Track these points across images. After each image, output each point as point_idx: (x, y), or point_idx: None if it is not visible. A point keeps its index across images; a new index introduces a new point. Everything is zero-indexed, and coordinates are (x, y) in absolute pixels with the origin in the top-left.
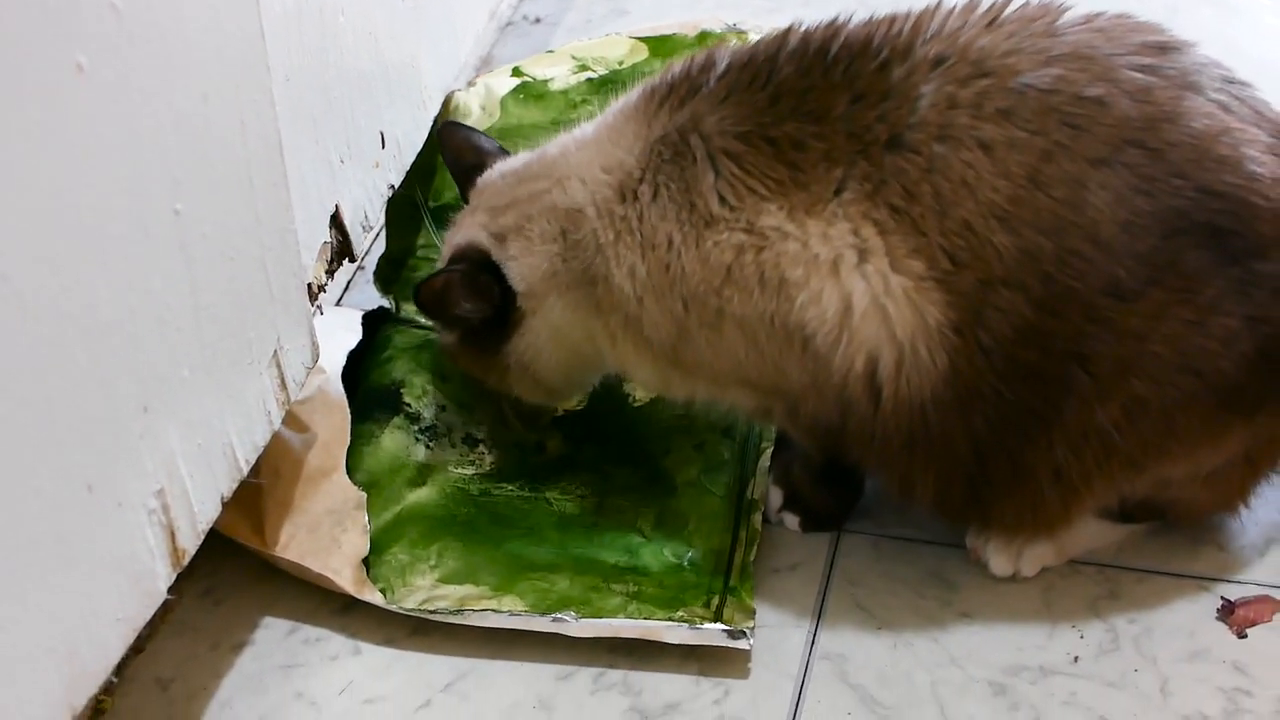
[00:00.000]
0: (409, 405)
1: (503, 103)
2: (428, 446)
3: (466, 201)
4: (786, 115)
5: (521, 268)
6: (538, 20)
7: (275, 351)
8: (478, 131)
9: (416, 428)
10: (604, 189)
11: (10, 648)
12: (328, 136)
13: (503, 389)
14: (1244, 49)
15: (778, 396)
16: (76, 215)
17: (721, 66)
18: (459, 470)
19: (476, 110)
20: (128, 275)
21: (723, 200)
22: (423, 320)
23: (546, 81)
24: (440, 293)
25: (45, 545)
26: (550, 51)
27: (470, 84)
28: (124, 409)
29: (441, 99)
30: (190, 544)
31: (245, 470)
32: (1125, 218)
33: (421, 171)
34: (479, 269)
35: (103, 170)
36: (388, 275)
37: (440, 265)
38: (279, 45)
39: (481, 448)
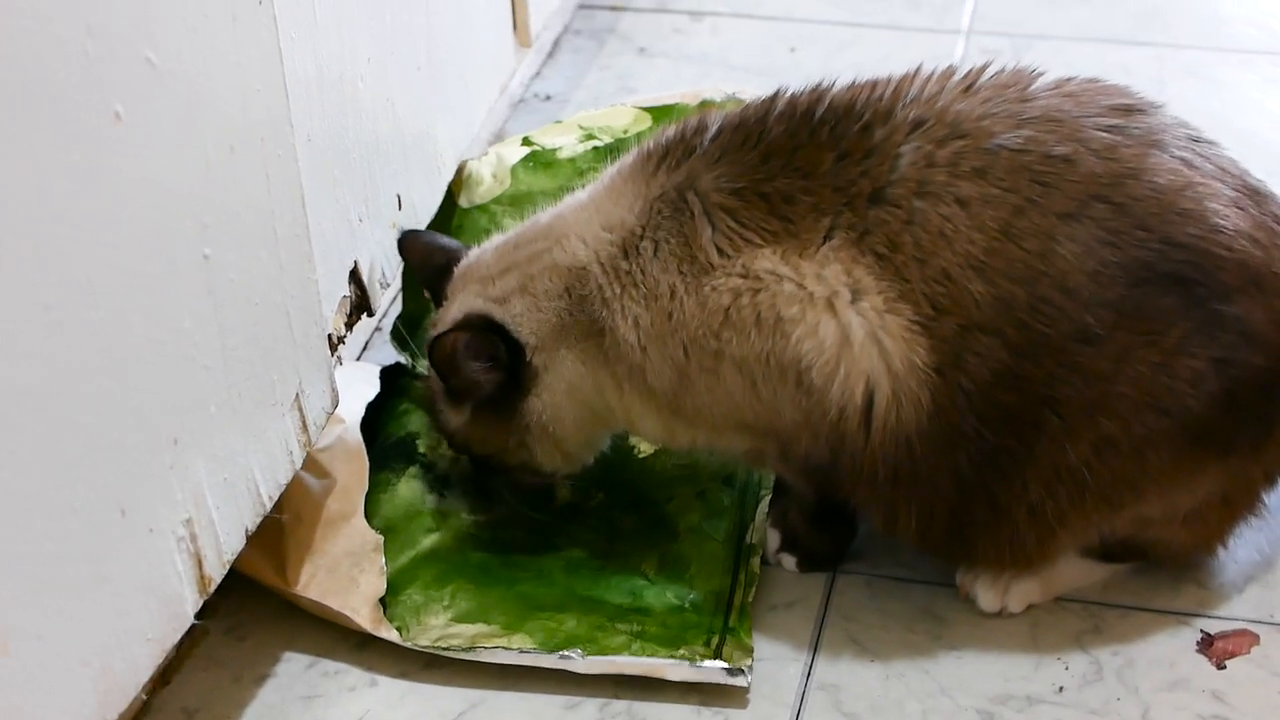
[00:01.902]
0: (424, 455)
1: (513, 171)
2: (441, 495)
3: (437, 301)
4: (777, 172)
5: (530, 322)
6: (548, 98)
7: (297, 394)
8: (438, 234)
9: (431, 476)
10: (607, 246)
11: (49, 657)
12: (347, 195)
13: (522, 457)
14: (1228, 120)
15: (771, 438)
16: (113, 254)
17: (714, 129)
18: (471, 517)
19: (488, 178)
20: (160, 313)
21: (720, 251)
22: None
23: (555, 150)
24: (451, 352)
25: (81, 563)
26: (559, 122)
27: (483, 154)
28: (155, 439)
29: (455, 166)
30: (216, 573)
31: (269, 506)
32: (1093, 268)
33: (442, 226)
34: (483, 329)
35: (138, 212)
36: (404, 334)
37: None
38: (301, 107)
39: (493, 498)
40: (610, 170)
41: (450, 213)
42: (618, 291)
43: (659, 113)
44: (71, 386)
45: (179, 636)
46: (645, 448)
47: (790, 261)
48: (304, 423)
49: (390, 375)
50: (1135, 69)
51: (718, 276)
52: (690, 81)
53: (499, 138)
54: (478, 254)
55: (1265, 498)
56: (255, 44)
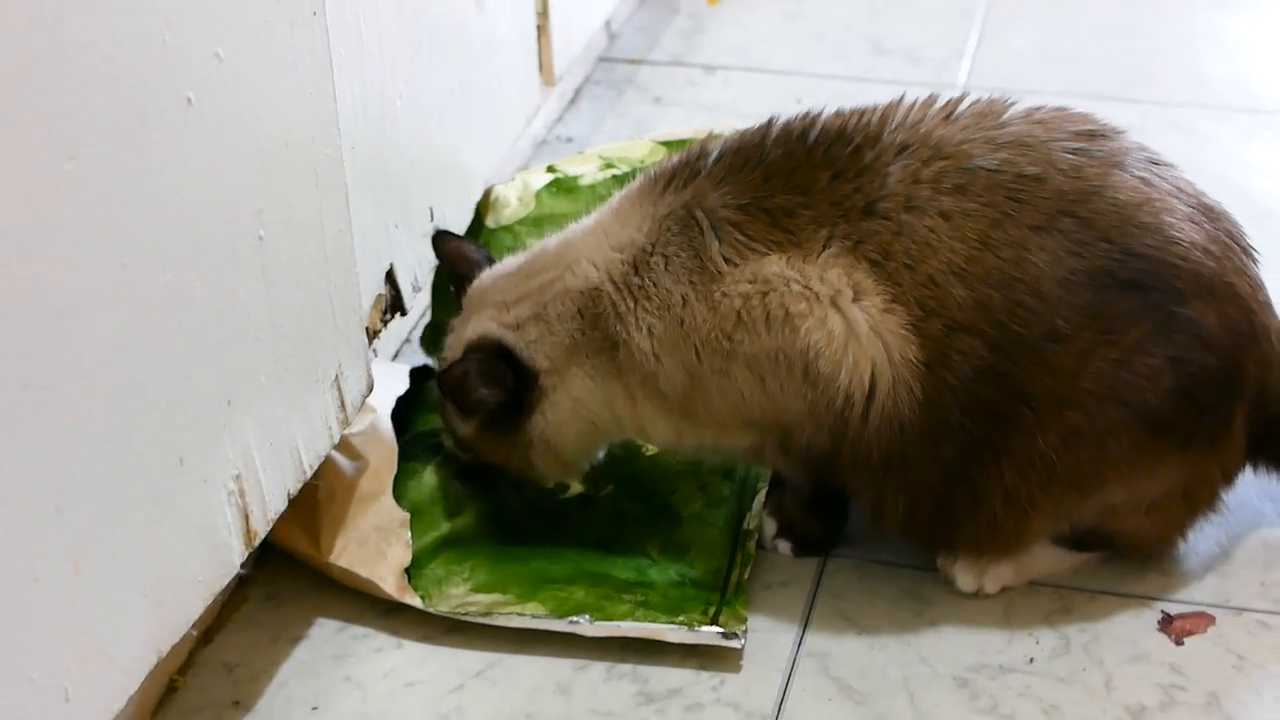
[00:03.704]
0: (449, 447)
1: (538, 195)
2: (463, 483)
3: (458, 303)
4: (778, 189)
5: (544, 347)
6: (570, 140)
7: (336, 375)
8: (467, 241)
9: (453, 466)
10: (618, 265)
11: (112, 584)
12: (384, 202)
13: (524, 469)
14: (1209, 170)
15: (774, 433)
16: (181, 226)
17: (715, 154)
18: (491, 505)
19: (514, 201)
20: (219, 284)
21: (728, 260)
22: None
23: (576, 178)
24: (460, 380)
25: (144, 502)
26: (581, 153)
27: (509, 179)
28: (211, 399)
29: (482, 187)
30: (261, 528)
31: (309, 473)
32: (1061, 275)
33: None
34: (494, 357)
35: (203, 191)
36: (432, 340)
37: (451, 357)
38: (346, 116)
39: (512, 487)
40: (616, 197)
41: (478, 232)
42: (631, 305)
43: (674, 145)
44: (141, 341)
45: (226, 583)
46: (651, 446)
47: (795, 266)
48: (342, 402)
49: (419, 376)
50: (1122, 123)
51: (727, 283)
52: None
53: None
54: (491, 276)
55: (1223, 495)
56: (309, 50)
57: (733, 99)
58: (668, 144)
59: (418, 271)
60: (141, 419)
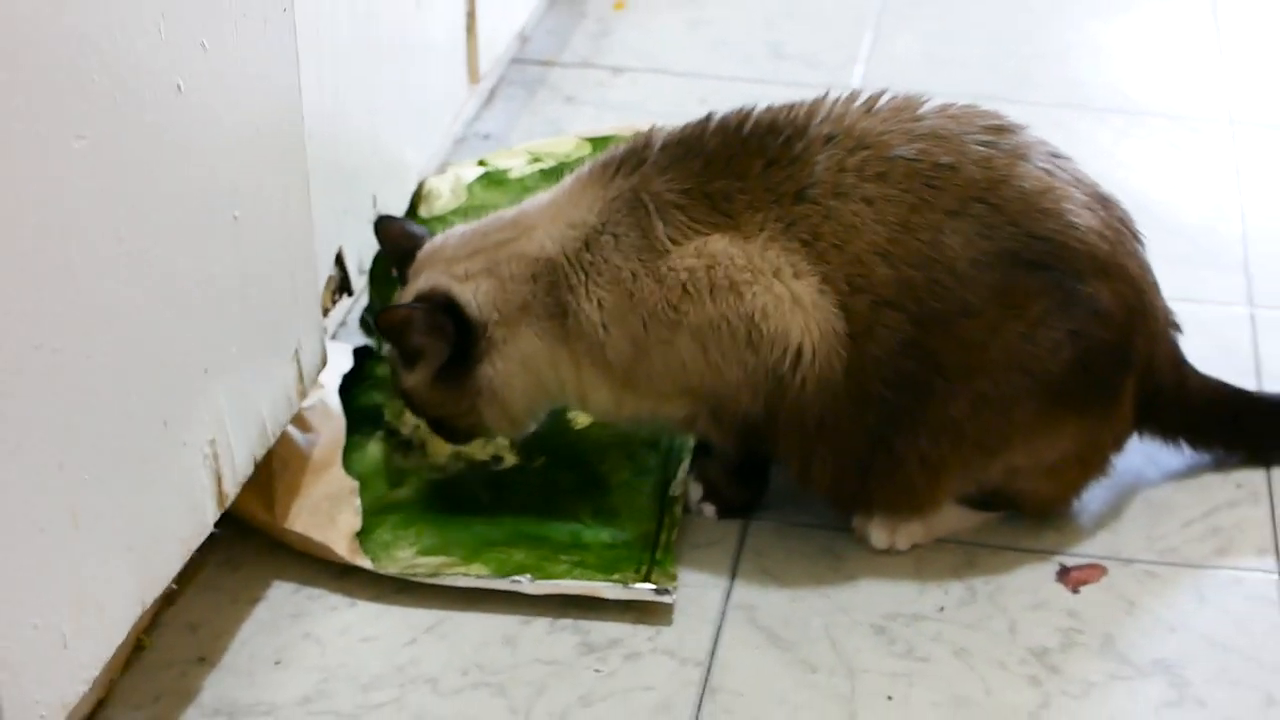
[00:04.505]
0: (389, 422)
1: (469, 188)
2: (404, 455)
3: (403, 279)
4: (716, 176)
5: (496, 300)
6: (487, 136)
7: (296, 349)
8: (409, 221)
9: (395, 440)
10: (572, 241)
11: (106, 537)
12: (334, 189)
13: (471, 420)
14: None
15: (711, 401)
16: (171, 202)
17: (659, 144)
18: (431, 475)
19: (446, 193)
20: (200, 257)
21: (673, 240)
22: None
23: (506, 171)
24: (400, 323)
25: (132, 462)
26: (509, 148)
27: (440, 171)
28: (191, 366)
29: (418, 177)
30: (231, 490)
31: (273, 440)
32: (973, 255)
33: None
34: (438, 309)
35: (189, 171)
36: (370, 323)
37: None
38: (305, 107)
39: (449, 458)
40: (568, 179)
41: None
42: (582, 278)
43: (597, 141)
44: (134, 308)
45: (200, 541)
46: (581, 420)
47: (737, 244)
48: (300, 374)
49: (361, 355)
50: None
51: (674, 259)
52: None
53: (444, 168)
54: (441, 240)
55: (1113, 460)
56: (280, 44)
57: (641, 99)
58: (592, 140)
59: (362, 255)
60: (132, 382)
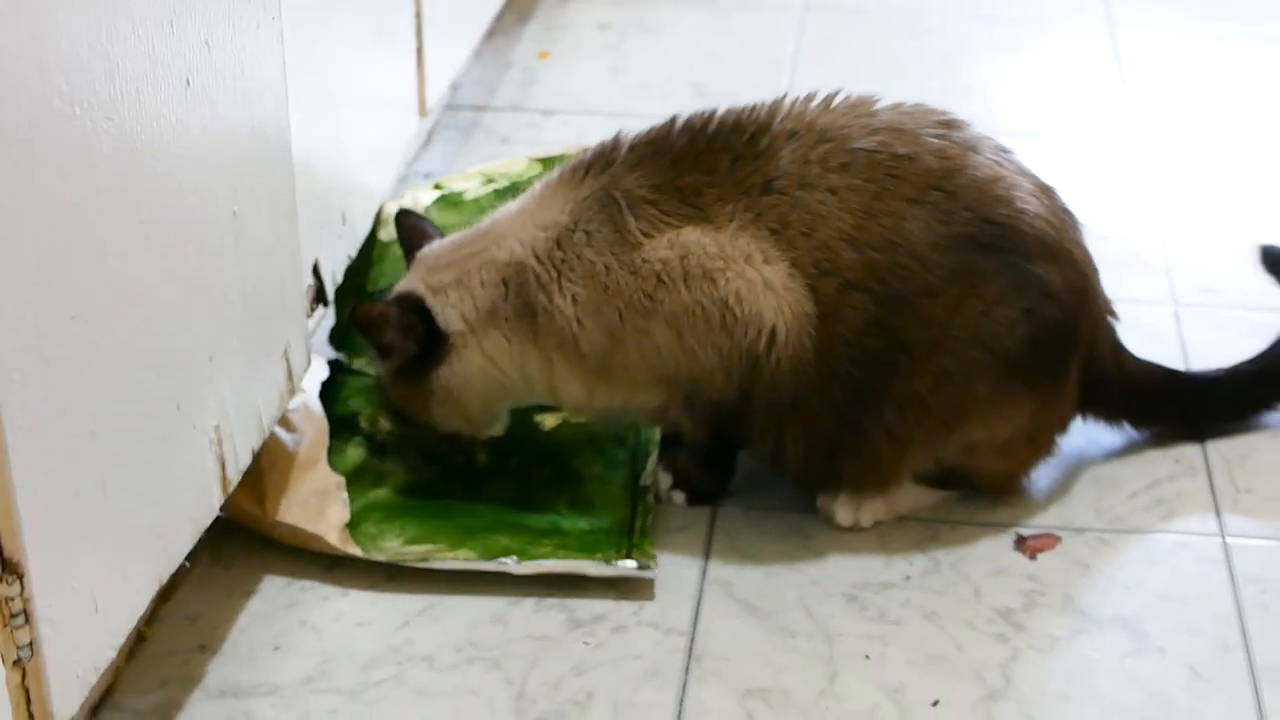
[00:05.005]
0: (364, 428)
1: (427, 210)
2: (381, 459)
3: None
4: (686, 171)
5: (463, 309)
6: (428, 175)
7: (286, 348)
8: (425, 218)
9: (371, 444)
10: (543, 242)
11: (131, 507)
12: (312, 203)
13: (423, 415)
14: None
15: (685, 387)
16: (181, 193)
17: (627, 145)
18: (408, 476)
19: None
20: (205, 249)
21: (645, 234)
22: (369, 370)
23: (461, 193)
24: (373, 319)
25: (152, 438)
26: (464, 173)
27: (398, 196)
28: (198, 353)
29: (379, 202)
30: (234, 476)
31: (268, 433)
32: (933, 240)
33: (363, 262)
34: (410, 311)
35: (196, 164)
36: (338, 339)
37: None
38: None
39: (424, 462)
40: (538, 186)
41: (372, 245)
42: (555, 275)
43: (547, 161)
44: (154, 287)
45: (209, 522)
46: (549, 421)
47: (709, 234)
48: (289, 372)
49: (335, 367)
50: None
51: (647, 251)
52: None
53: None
54: (431, 248)
55: (1059, 440)
56: (271, 49)
57: (574, 136)
58: (542, 160)
59: (335, 269)
60: (151, 360)
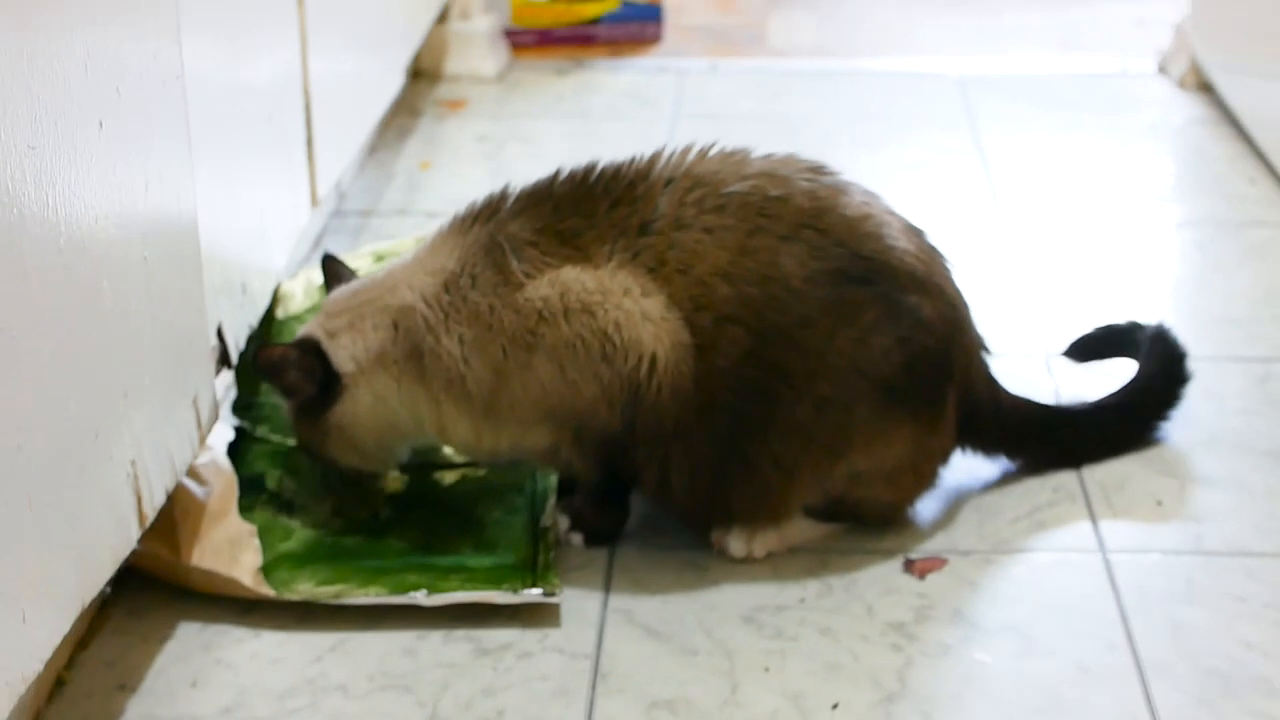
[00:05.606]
0: (270, 488)
1: (320, 289)
2: (288, 516)
3: None
4: (566, 216)
5: (354, 351)
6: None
7: (195, 396)
8: (345, 265)
9: (279, 502)
10: (431, 286)
11: (54, 526)
12: (215, 270)
13: (323, 451)
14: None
15: (572, 423)
16: (96, 230)
17: (513, 195)
18: (315, 531)
19: (300, 295)
20: (120, 288)
21: (527, 275)
22: (272, 437)
23: (354, 271)
24: (274, 361)
25: (73, 462)
26: (355, 252)
27: (293, 276)
28: (115, 386)
29: (277, 278)
30: (150, 512)
31: (180, 475)
32: (806, 274)
33: (263, 336)
34: (308, 353)
35: (109, 206)
36: (240, 411)
37: None
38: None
39: (330, 517)
40: (428, 237)
41: (270, 322)
42: (441, 318)
43: None
44: (73, 314)
45: (128, 553)
46: (449, 477)
47: (588, 272)
48: (199, 420)
49: (239, 432)
50: None
51: (529, 290)
52: None
53: (296, 273)
54: (334, 294)
55: (940, 472)
56: (175, 106)
57: None
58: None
59: (238, 335)
60: (71, 384)
